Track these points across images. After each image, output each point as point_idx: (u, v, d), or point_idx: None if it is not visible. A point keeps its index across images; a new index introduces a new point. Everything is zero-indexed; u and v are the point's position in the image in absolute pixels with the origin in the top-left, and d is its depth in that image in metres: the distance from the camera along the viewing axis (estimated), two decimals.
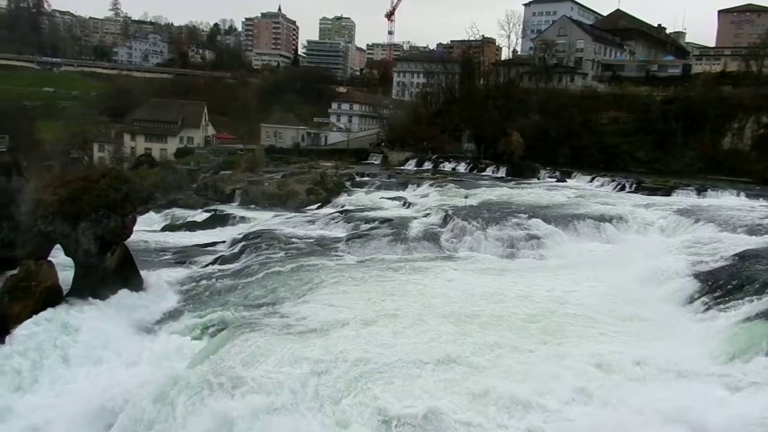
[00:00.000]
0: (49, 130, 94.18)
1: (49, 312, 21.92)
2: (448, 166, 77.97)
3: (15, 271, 23.21)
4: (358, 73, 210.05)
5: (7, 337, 20.63)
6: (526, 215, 36.61)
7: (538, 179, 67.33)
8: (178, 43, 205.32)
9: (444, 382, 14.86)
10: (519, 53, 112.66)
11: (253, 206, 55.76)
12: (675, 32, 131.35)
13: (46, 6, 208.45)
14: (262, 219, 47.10)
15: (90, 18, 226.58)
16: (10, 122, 73.40)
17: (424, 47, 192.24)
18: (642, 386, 14.52)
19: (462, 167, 77.21)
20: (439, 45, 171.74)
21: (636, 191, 54.82)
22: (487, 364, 16.03)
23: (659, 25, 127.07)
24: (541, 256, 31.50)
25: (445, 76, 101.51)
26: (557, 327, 19.14)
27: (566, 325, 19.42)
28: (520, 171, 70.17)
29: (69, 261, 24.48)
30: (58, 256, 24.89)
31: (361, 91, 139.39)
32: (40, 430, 17.54)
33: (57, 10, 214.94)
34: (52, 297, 22.63)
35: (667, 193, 52.38)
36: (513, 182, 62.31)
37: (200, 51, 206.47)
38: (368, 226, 38.04)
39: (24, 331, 20.75)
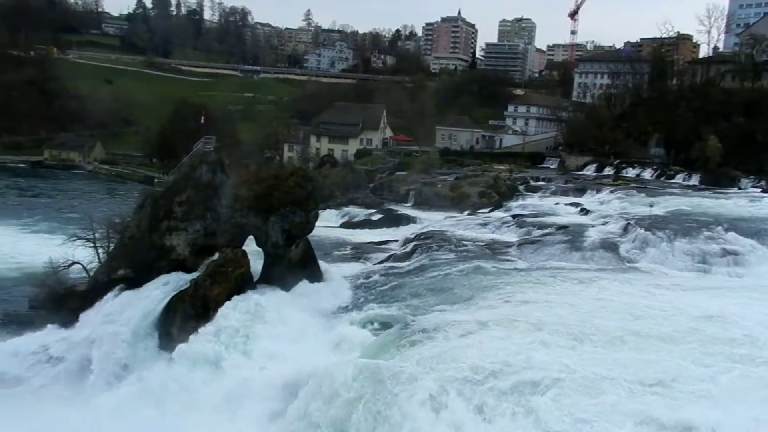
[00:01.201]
0: (248, 131, 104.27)
1: (242, 296, 24.37)
2: (631, 172, 72.83)
3: (215, 257, 26.11)
4: (536, 75, 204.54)
5: (208, 315, 23.34)
6: (723, 228, 33.03)
7: (739, 189, 60.21)
8: (362, 50, 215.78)
9: None
10: (720, 50, 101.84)
11: (425, 207, 56.79)
12: None
13: (249, 19, 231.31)
14: (434, 220, 47.83)
15: (286, 28, 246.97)
16: (216, 124, 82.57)
17: (610, 47, 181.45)
18: None
19: (647, 174, 71.67)
20: (627, 44, 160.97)
21: None
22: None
23: None
24: (738, 274, 28.24)
25: (632, 77, 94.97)
26: (710, 356, 16.78)
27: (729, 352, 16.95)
28: (717, 179, 63.34)
29: (259, 251, 26.94)
30: (250, 245, 27.50)
31: (539, 93, 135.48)
32: (234, 400, 19.73)
33: (258, 23, 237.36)
34: (244, 283, 25.11)
35: None
36: (707, 191, 56.53)
37: (382, 56, 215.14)
38: (541, 231, 36.94)
39: (223, 311, 23.31)
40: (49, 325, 26.70)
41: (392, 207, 56.84)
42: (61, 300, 28.03)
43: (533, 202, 53.97)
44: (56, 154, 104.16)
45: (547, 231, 36.83)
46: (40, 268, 32.40)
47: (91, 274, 29.66)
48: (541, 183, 65.85)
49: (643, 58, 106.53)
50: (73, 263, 30.32)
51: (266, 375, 20.40)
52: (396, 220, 50.39)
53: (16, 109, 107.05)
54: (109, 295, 26.14)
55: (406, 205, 59.00)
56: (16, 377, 24.18)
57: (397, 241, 39.73)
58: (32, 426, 19.38)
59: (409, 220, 49.97)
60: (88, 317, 25.89)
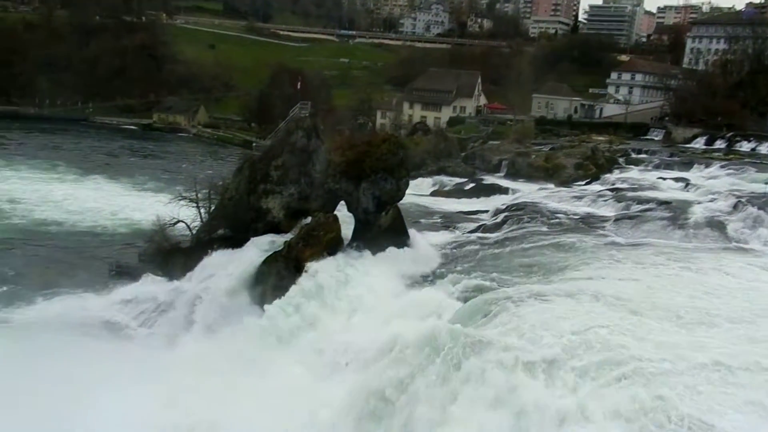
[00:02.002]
0: (342, 97, 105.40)
1: (332, 259, 25.07)
2: (746, 146, 67.60)
3: (308, 221, 26.93)
4: (644, 40, 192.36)
5: (300, 276, 24.25)
6: None
7: None
8: (458, 13, 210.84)
9: None
10: None
11: (518, 178, 55.64)
12: None
13: None
14: (526, 191, 46.80)
15: None
16: (312, 89, 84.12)
17: (729, 8, 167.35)
18: None
19: (765, 148, 66.26)
20: (749, 5, 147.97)
21: None
22: None
23: None
24: None
25: (753, 41, 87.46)
26: None
27: None
28: None
29: (350, 216, 27.49)
30: (341, 210, 28.10)
31: (645, 59, 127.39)
32: (322, 354, 20.61)
33: None
34: (334, 246, 25.82)
35: None
36: None
37: (479, 20, 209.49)
38: (640, 207, 35.33)
39: (313, 272, 24.13)
40: (156, 278, 28.78)
41: (483, 177, 56.07)
42: (167, 255, 30.02)
43: (633, 175, 51.51)
44: (164, 117, 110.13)
45: (647, 206, 35.16)
46: (148, 224, 34.74)
47: (194, 232, 31.47)
48: (643, 156, 62.69)
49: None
50: (178, 221, 32.25)
51: (351, 335, 21.12)
52: (487, 190, 49.70)
53: (130, 73, 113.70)
54: (210, 252, 27.68)
55: (497, 175, 57.98)
56: (126, 325, 26.31)
57: (487, 211, 39.27)
58: (137, 371, 21.05)
59: (500, 190, 49.14)
60: (191, 272, 27.62)
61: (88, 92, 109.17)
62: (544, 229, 31.15)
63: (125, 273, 31.71)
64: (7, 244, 39.35)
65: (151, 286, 28.64)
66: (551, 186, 49.30)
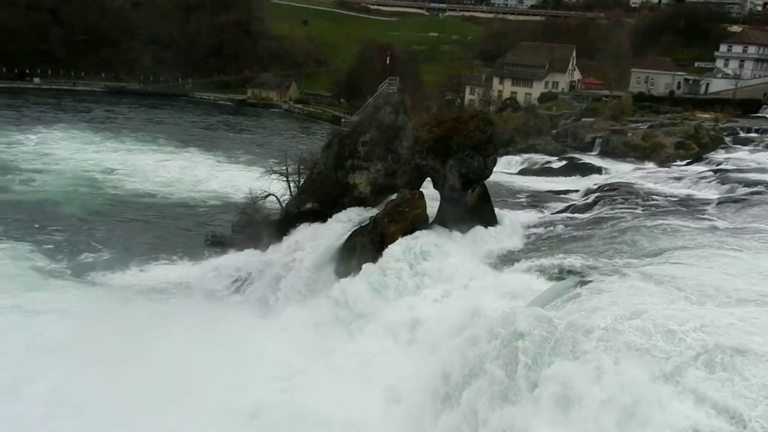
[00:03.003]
0: (430, 72, 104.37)
1: (416, 235, 25.15)
2: None
3: (393, 197, 27.12)
4: (759, 9, 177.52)
5: (384, 251, 24.53)
6: None
7: None
8: None
9: None
10: None
11: (612, 157, 53.44)
12: None
13: None
14: (621, 171, 44.98)
15: None
16: (401, 65, 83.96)
17: None
18: None
19: None
20: None
21: None
22: None
23: None
24: None
25: None
26: None
27: None
28: None
29: (435, 193, 27.41)
30: (427, 187, 28.07)
31: (761, 30, 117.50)
32: (402, 332, 20.89)
33: None
34: (419, 223, 25.86)
35: None
36: None
37: None
38: (748, 189, 33.02)
39: (397, 248, 24.33)
40: (247, 249, 30.10)
41: (575, 155, 54.14)
42: (258, 227, 31.28)
43: (741, 156, 48.04)
44: (257, 93, 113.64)
45: (755, 189, 32.80)
46: (241, 197, 36.26)
47: (284, 205, 32.54)
48: (753, 135, 58.31)
49: None
50: (269, 195, 33.44)
51: (432, 311, 21.20)
52: (578, 169, 48.09)
53: (226, 50, 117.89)
54: (299, 225, 28.56)
55: (590, 153, 55.84)
56: (219, 293, 27.77)
57: (578, 191, 38.06)
58: (228, 336, 22.18)
59: (592, 170, 47.39)
60: (280, 244, 28.65)
61: (188, 69, 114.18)
62: (639, 210, 29.79)
63: (219, 243, 33.38)
64: (108, 214, 42.29)
65: (243, 256, 29.98)
66: (648, 166, 47.12)
